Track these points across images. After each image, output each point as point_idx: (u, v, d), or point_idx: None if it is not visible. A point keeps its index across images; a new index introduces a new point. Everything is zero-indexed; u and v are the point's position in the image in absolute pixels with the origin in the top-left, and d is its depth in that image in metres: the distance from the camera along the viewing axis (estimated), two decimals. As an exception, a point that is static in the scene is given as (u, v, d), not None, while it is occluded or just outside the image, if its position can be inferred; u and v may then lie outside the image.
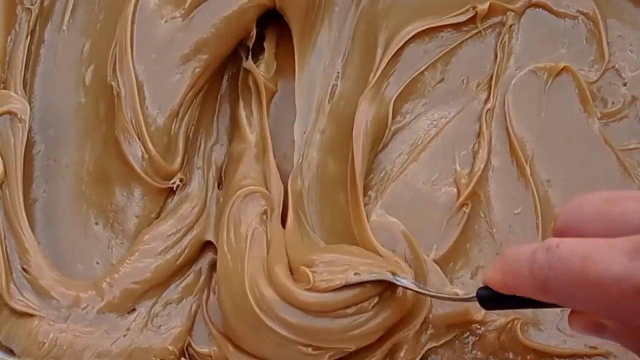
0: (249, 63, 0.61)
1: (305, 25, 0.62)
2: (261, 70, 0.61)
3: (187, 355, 0.57)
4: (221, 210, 0.58)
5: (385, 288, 0.53)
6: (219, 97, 0.63)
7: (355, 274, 0.52)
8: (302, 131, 0.60)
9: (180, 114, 0.59)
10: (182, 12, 0.59)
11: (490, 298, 0.43)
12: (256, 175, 0.59)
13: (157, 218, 0.60)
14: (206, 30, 0.59)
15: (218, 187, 0.61)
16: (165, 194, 0.60)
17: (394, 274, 0.52)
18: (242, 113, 0.61)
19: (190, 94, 0.59)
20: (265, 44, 0.62)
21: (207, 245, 0.59)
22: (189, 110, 0.60)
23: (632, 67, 0.61)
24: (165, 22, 0.58)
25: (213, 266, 0.59)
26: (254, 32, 0.61)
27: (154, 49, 0.58)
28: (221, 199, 0.59)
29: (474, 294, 0.45)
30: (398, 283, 0.52)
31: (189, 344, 0.57)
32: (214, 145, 0.62)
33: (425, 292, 0.53)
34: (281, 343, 0.52)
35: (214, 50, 0.59)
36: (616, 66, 0.61)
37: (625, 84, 0.61)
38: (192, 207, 0.59)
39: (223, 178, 0.61)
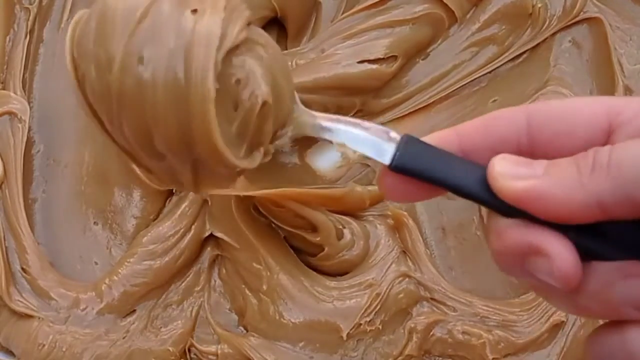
0: None
1: (301, 28, 0.63)
2: None
3: (189, 357, 0.57)
4: None
5: None
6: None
7: None
8: None
9: (184, 117, 0.58)
10: (189, 20, 0.58)
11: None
12: None
13: (155, 220, 0.59)
14: (213, 40, 0.58)
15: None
16: (164, 195, 0.60)
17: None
18: None
19: (195, 98, 0.59)
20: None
21: (206, 242, 0.59)
22: (193, 114, 0.59)
23: (631, 61, 0.61)
24: (171, 27, 0.58)
25: (212, 264, 0.59)
26: None
27: (158, 50, 0.58)
28: None
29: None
30: None
31: (192, 345, 0.57)
32: (212, 141, 0.62)
33: None
34: None
35: (221, 59, 0.59)
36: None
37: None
38: (191, 206, 0.59)
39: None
